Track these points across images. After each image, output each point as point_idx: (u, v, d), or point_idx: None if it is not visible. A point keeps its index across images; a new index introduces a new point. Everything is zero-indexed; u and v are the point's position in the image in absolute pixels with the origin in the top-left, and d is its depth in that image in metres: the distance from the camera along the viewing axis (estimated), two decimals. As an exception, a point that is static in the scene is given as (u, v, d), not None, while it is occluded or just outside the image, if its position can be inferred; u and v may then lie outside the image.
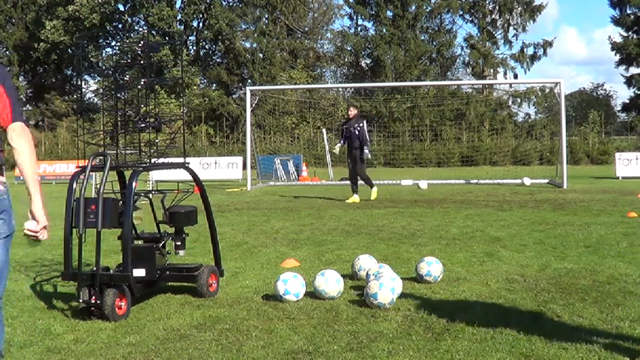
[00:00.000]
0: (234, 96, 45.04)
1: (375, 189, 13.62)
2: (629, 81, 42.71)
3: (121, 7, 45.50)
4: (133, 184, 4.65)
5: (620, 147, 33.18)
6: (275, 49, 44.18)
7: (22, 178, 2.84)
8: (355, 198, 13.33)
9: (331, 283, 4.91)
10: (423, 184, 17.59)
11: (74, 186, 4.71)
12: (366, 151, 13.05)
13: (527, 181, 18.38)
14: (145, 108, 5.13)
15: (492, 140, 36.47)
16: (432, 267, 5.44)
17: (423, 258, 5.64)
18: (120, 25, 46.24)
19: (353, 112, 13.51)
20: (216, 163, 24.46)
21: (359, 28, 46.44)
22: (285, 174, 23.39)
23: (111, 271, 4.83)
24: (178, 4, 45.61)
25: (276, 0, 44.37)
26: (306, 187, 19.67)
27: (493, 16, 43.35)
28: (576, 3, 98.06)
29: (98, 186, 4.53)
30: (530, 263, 6.21)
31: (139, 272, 4.74)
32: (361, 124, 13.06)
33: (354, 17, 46.56)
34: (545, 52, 42.23)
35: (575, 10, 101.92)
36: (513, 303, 4.70)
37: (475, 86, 42.95)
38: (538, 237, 7.87)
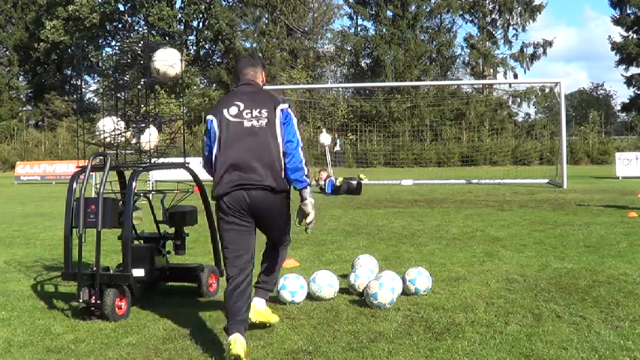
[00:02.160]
0: (234, 96, 45.08)
1: None
2: (629, 81, 42.72)
3: (121, 7, 45.49)
4: (133, 184, 4.65)
5: (620, 147, 33.18)
6: (275, 49, 44.17)
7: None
8: None
9: (325, 289, 4.89)
10: (407, 182, 18.73)
11: (74, 186, 4.71)
12: None
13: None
14: (144, 108, 5.13)
15: (492, 140, 36.43)
16: (419, 277, 4.97)
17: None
18: (120, 25, 46.20)
19: None
20: (216, 163, 24.42)
21: (359, 28, 46.43)
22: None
23: (111, 271, 4.83)
24: (178, 4, 45.61)
25: (276, 0, 44.38)
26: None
27: (493, 16, 43.36)
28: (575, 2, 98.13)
29: (98, 186, 4.53)
30: (530, 263, 6.21)
31: (138, 272, 4.74)
32: None
33: (354, 17, 46.55)
34: (545, 52, 42.27)
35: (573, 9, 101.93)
36: (513, 303, 4.70)
37: (475, 86, 42.96)
38: (538, 237, 7.87)
